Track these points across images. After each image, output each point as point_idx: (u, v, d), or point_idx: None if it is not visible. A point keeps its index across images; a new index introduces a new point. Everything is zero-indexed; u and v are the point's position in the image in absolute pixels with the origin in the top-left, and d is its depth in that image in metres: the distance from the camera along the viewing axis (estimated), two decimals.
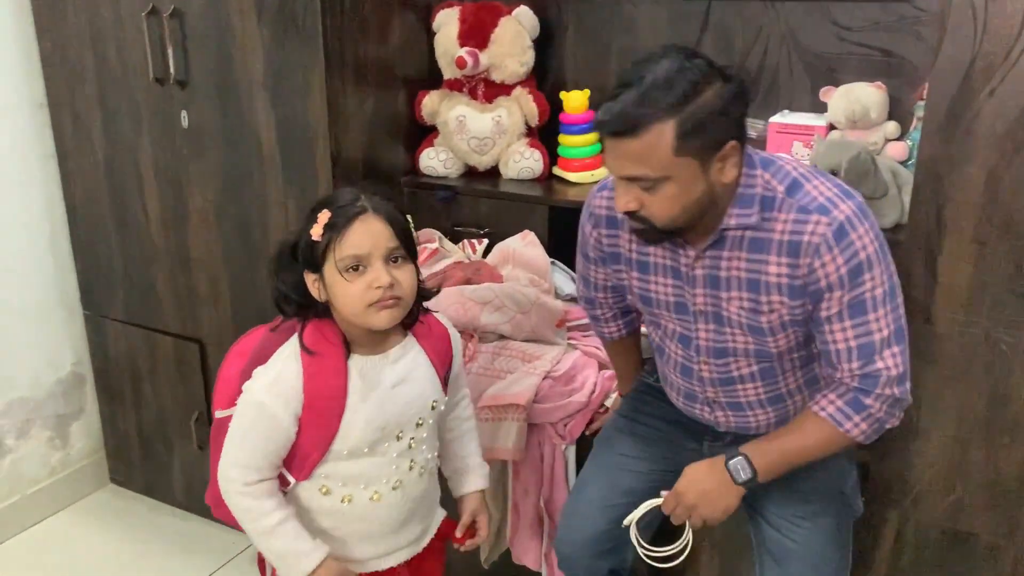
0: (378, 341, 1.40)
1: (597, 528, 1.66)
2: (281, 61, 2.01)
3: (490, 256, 2.21)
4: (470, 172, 2.35)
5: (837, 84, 1.99)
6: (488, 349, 2.00)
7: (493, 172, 2.33)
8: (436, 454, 1.52)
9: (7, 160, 2.40)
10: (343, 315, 1.36)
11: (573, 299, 2.14)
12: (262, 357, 1.40)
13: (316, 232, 1.31)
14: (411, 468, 1.45)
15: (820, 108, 2.02)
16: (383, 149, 2.24)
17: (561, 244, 2.23)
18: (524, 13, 2.22)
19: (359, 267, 1.31)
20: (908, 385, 1.39)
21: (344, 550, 1.45)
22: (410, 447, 1.44)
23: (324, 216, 1.31)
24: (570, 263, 2.18)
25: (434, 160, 2.30)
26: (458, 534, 1.58)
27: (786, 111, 2.06)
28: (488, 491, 1.96)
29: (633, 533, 1.53)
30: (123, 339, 2.55)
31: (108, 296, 2.53)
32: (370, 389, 1.37)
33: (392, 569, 1.50)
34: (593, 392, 1.93)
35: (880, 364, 1.36)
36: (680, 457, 1.60)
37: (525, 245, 2.18)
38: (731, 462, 1.44)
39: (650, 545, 1.54)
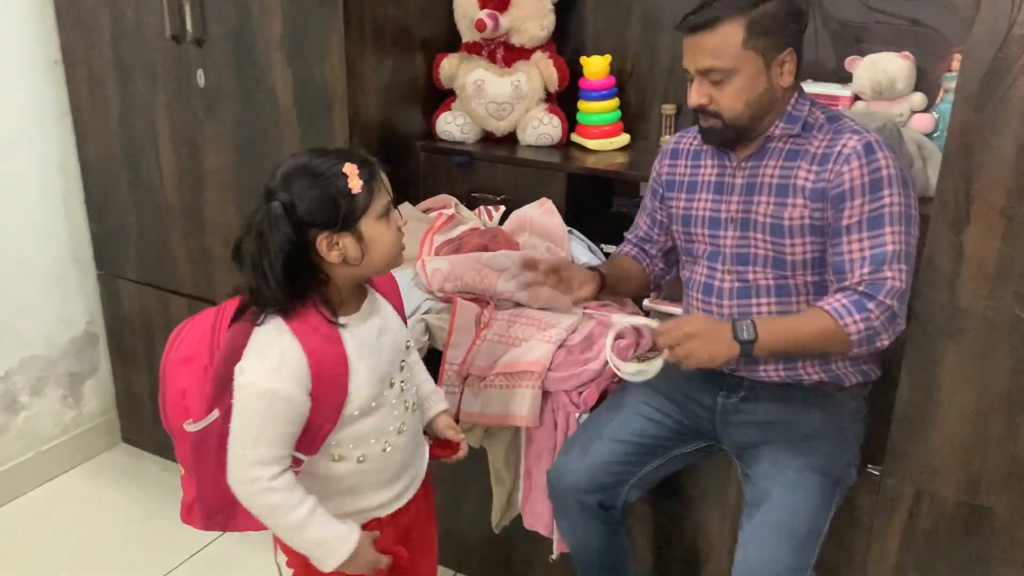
0: (356, 300, 1.41)
1: (599, 458, 1.71)
2: (299, 21, 1.99)
3: (507, 223, 2.20)
4: (487, 137, 2.33)
5: (863, 54, 1.95)
6: (504, 316, 1.99)
7: (511, 138, 2.31)
8: (415, 388, 1.57)
9: (22, 118, 2.39)
10: (371, 266, 1.35)
11: (591, 268, 2.12)
12: (234, 355, 1.34)
13: (356, 184, 1.29)
14: (406, 408, 1.48)
15: (845, 78, 1.99)
16: (400, 112, 2.22)
17: (579, 212, 2.21)
18: None
19: (388, 213, 1.35)
20: (905, 309, 1.52)
21: (363, 503, 1.46)
22: (402, 390, 1.47)
23: (353, 169, 1.29)
24: (588, 231, 2.16)
25: (451, 124, 2.28)
26: (449, 435, 1.62)
27: (810, 80, 2.03)
28: (500, 457, 1.98)
29: (610, 343, 1.63)
30: (136, 299, 2.55)
31: (122, 256, 2.52)
32: (363, 346, 1.38)
33: (407, 506, 1.52)
34: (607, 362, 1.92)
35: (888, 273, 1.50)
36: (693, 415, 1.72)
37: (542, 213, 2.16)
38: (737, 321, 1.53)
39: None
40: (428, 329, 1.99)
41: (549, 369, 1.88)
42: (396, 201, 2.18)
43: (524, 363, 1.88)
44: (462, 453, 1.64)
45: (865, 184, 1.51)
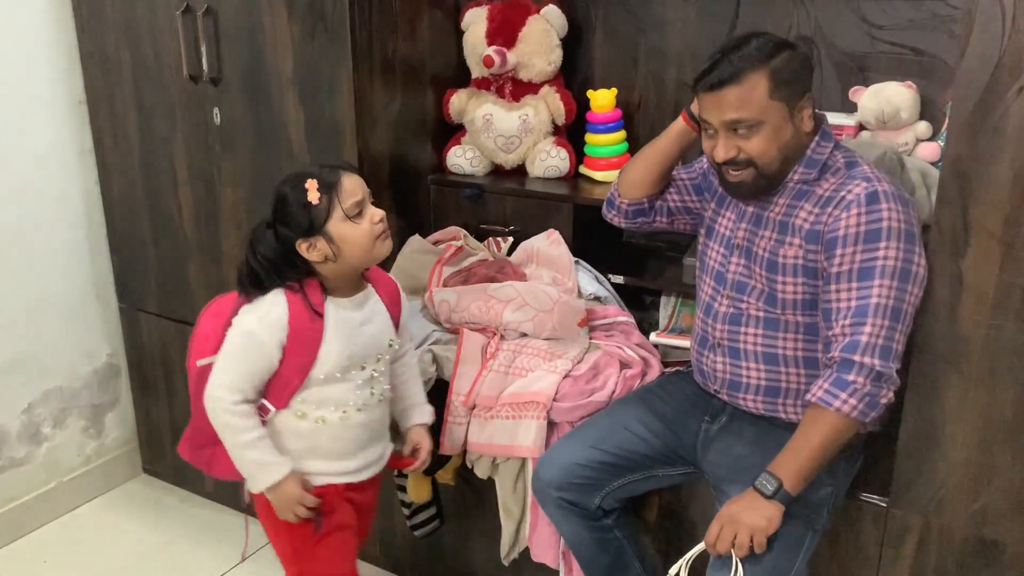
0: (350, 289, 1.63)
1: (573, 458, 1.76)
2: (310, 59, 2.04)
3: (514, 254, 2.22)
4: (497, 170, 2.36)
5: (867, 83, 1.96)
6: (510, 347, 2.00)
7: (519, 170, 2.34)
8: (389, 387, 1.75)
9: (48, 156, 2.47)
10: (350, 259, 1.56)
11: (596, 298, 2.13)
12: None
13: (313, 197, 1.52)
14: (372, 394, 1.68)
15: (850, 108, 1.99)
16: (410, 146, 2.26)
17: (586, 243, 2.23)
18: (552, 12, 2.23)
19: (360, 211, 1.55)
20: (895, 365, 1.48)
21: (322, 467, 1.67)
22: (372, 376, 1.67)
23: (313, 183, 1.52)
24: (595, 262, 2.18)
25: (461, 158, 2.31)
26: (406, 452, 1.82)
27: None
28: (509, 489, 1.98)
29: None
30: (156, 331, 2.60)
31: (143, 289, 2.58)
32: (342, 325, 1.61)
33: (361, 483, 1.74)
34: (614, 392, 1.92)
35: (867, 328, 1.47)
36: (679, 438, 1.76)
37: (549, 244, 2.17)
38: (756, 482, 1.51)
39: None
40: (435, 359, 2.01)
41: (555, 399, 1.89)
42: (407, 233, 2.23)
43: (530, 393, 1.89)
44: (414, 468, 1.83)
45: (860, 233, 1.49)
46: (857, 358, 1.47)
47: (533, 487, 1.84)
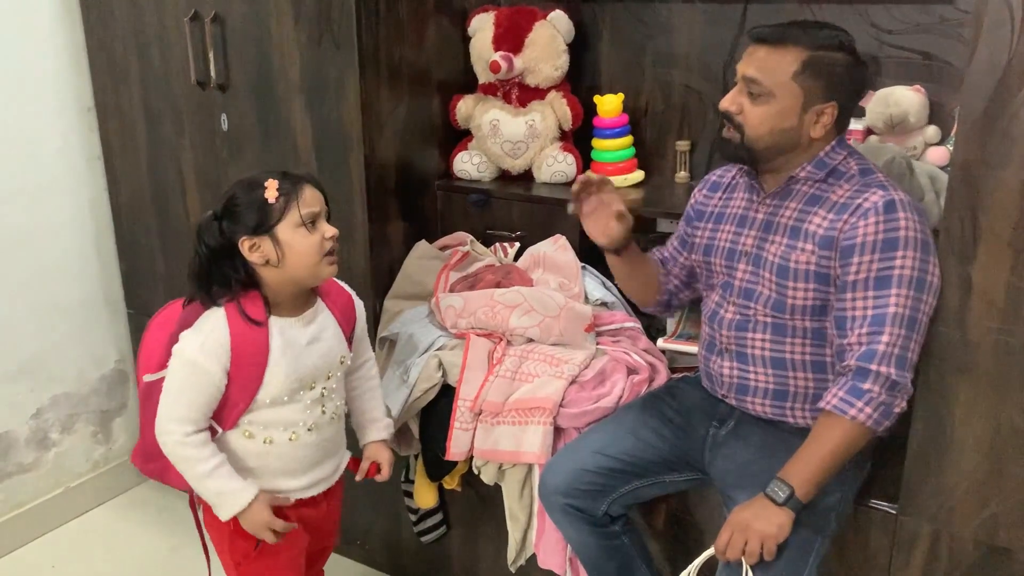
0: (297, 305, 1.59)
1: (580, 464, 1.75)
2: (317, 65, 2.04)
3: (521, 260, 2.21)
4: (503, 176, 2.36)
5: (875, 88, 1.95)
6: (516, 352, 2.00)
7: (526, 176, 2.33)
8: (343, 402, 1.73)
9: (57, 162, 2.48)
10: (293, 270, 1.52)
11: (603, 304, 2.12)
12: (187, 324, 1.56)
13: (271, 195, 1.47)
14: (323, 413, 1.65)
15: (859, 113, 1.98)
16: (417, 152, 2.26)
17: (592, 248, 2.21)
18: (559, 17, 2.22)
19: (313, 223, 1.51)
20: (910, 374, 1.48)
21: (270, 485, 1.64)
22: (322, 395, 1.64)
23: (273, 183, 1.48)
24: (601, 267, 2.17)
25: (468, 164, 2.31)
26: (357, 478, 1.80)
27: None
28: (515, 495, 1.97)
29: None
30: None
31: (151, 295, 2.59)
32: (288, 346, 1.56)
33: (313, 498, 1.71)
34: (621, 397, 1.91)
35: (884, 337, 1.46)
36: (687, 443, 1.74)
37: (556, 249, 2.17)
38: (767, 489, 1.50)
39: None
40: (441, 365, 2.01)
41: (561, 405, 1.88)
42: (414, 238, 2.23)
43: (536, 399, 1.89)
44: (379, 478, 1.81)
45: (878, 241, 1.48)
46: (874, 367, 1.46)
47: (539, 493, 1.83)
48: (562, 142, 2.29)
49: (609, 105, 2.21)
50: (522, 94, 2.27)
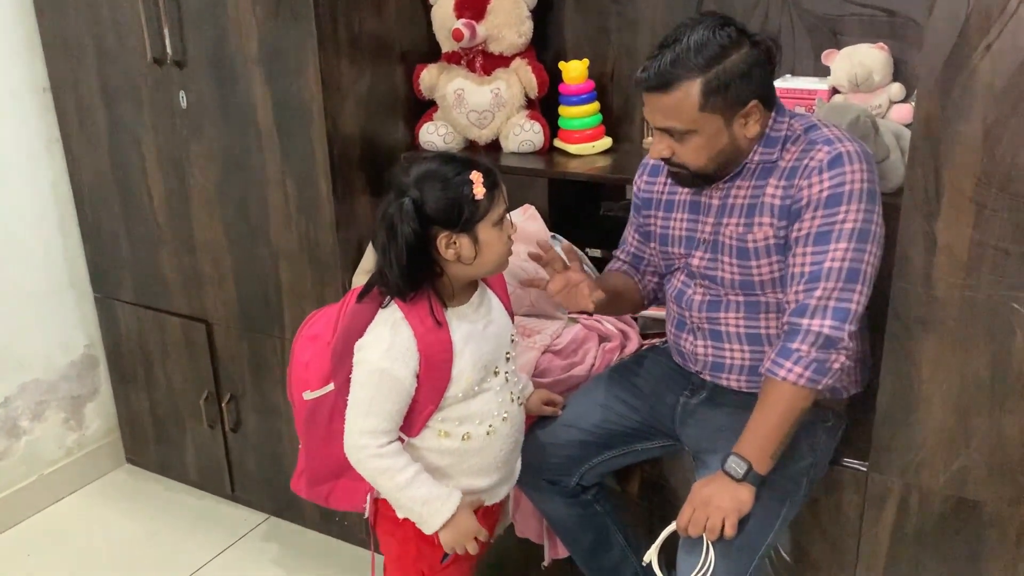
0: (467, 293, 1.54)
1: (550, 439, 1.75)
2: (275, 38, 2.00)
3: None
4: (471, 146, 2.33)
5: (840, 47, 1.94)
6: None
7: (494, 145, 2.31)
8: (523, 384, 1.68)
9: (14, 145, 2.43)
10: (481, 267, 1.47)
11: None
12: (354, 331, 1.50)
13: (480, 192, 1.41)
14: (512, 399, 1.60)
15: (823, 72, 1.97)
16: (381, 124, 2.22)
17: (562, 217, 2.21)
18: None
19: (503, 221, 1.47)
20: (850, 326, 1.46)
21: (461, 486, 1.57)
22: (507, 380, 1.58)
23: (479, 176, 1.42)
24: (574, 236, 2.16)
25: (434, 135, 2.28)
26: (545, 411, 1.77)
27: (788, 76, 2.02)
28: None
29: (656, 567, 1.53)
30: (133, 320, 2.58)
31: (117, 278, 2.55)
32: (469, 335, 1.51)
33: (493, 507, 1.65)
34: (593, 366, 1.91)
35: (818, 292, 1.46)
36: (657, 412, 1.74)
37: (525, 219, 2.15)
38: (725, 465, 1.49)
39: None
40: None
41: (535, 375, 1.88)
42: None
43: None
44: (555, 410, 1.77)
45: (822, 198, 1.47)
46: (805, 322, 1.46)
47: (522, 475, 1.79)
48: (528, 110, 2.26)
49: (574, 72, 2.19)
50: (486, 62, 2.24)
